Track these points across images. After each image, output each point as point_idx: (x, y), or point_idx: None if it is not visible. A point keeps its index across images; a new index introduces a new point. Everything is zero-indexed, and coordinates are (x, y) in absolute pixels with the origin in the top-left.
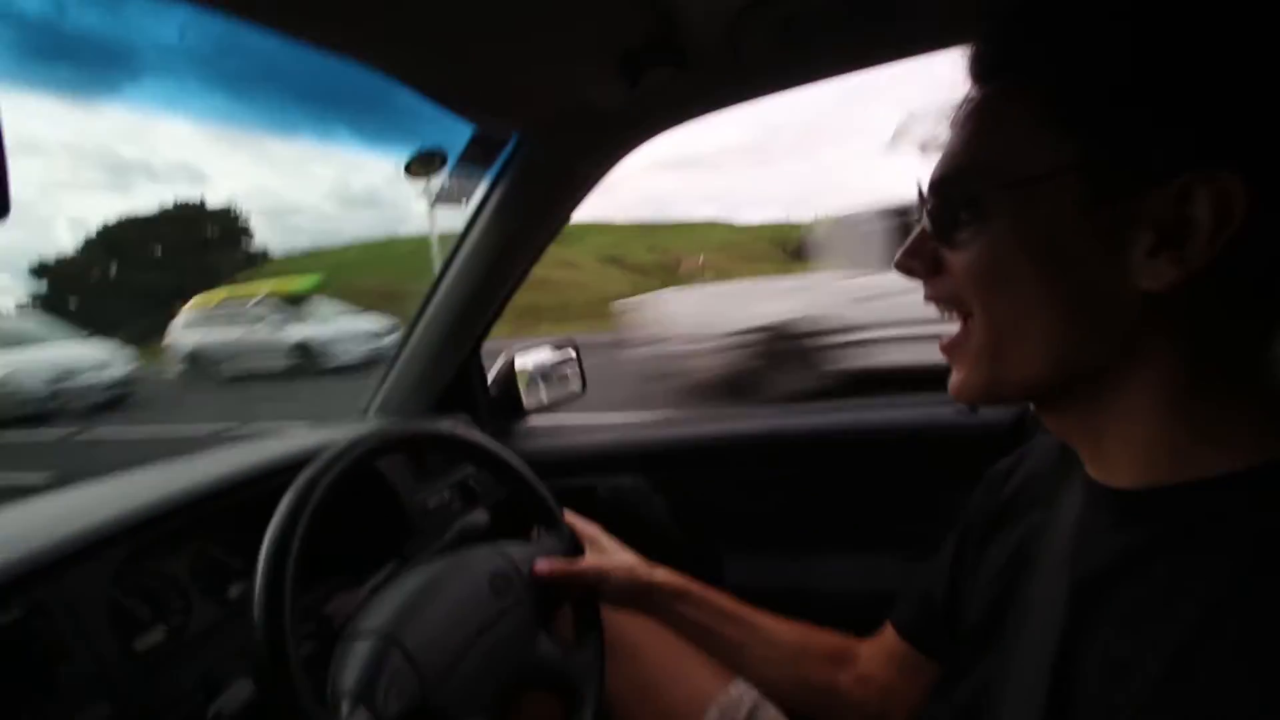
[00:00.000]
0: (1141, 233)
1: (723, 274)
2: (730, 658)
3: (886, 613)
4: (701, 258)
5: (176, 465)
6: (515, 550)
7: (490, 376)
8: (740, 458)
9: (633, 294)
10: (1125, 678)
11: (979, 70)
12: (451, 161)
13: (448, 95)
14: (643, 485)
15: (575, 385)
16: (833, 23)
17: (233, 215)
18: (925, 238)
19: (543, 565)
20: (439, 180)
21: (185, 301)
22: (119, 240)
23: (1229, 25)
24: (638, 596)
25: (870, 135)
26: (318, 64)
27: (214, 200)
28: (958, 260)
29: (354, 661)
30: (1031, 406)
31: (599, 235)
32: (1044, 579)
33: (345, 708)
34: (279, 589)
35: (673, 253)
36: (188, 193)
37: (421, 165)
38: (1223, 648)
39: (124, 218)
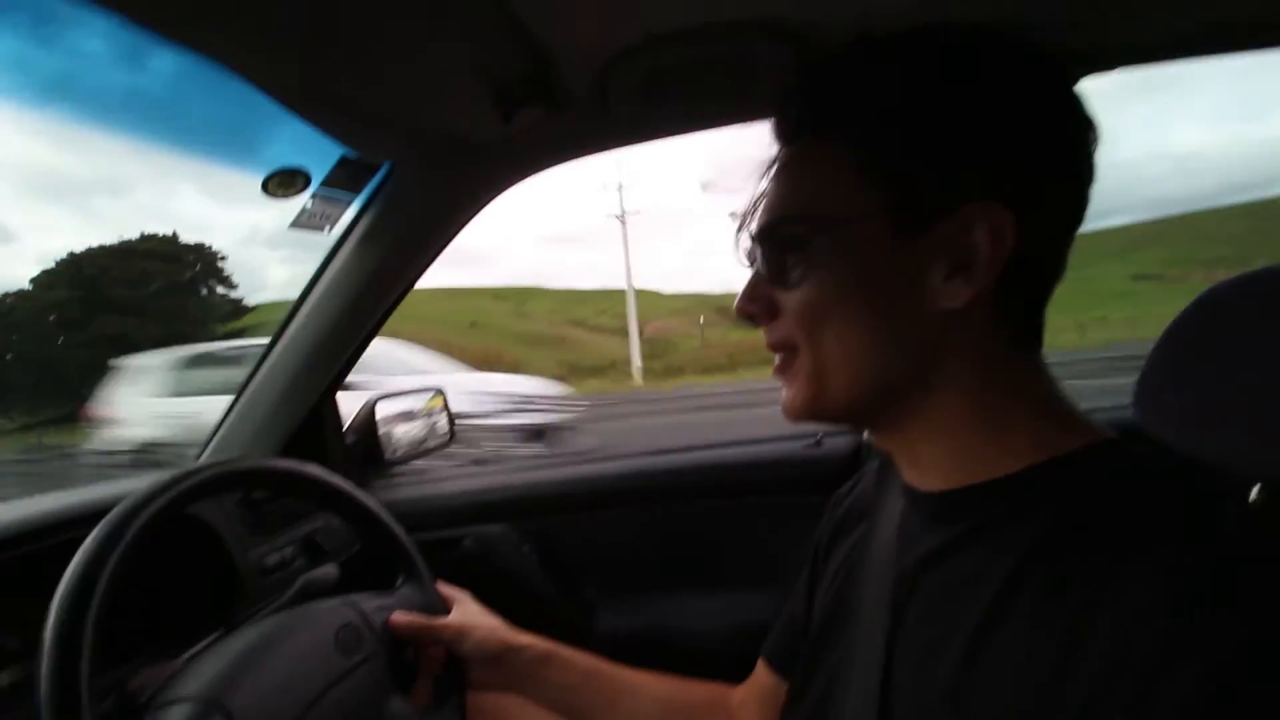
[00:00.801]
0: (938, 260)
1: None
2: (597, 719)
3: (754, 645)
4: (702, 317)
5: None
6: (368, 602)
7: (348, 424)
8: (605, 501)
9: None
10: (934, 661)
11: (789, 129)
12: (315, 184)
13: (319, 113)
14: (510, 534)
15: (443, 434)
16: (695, 82)
17: (210, 251)
18: (759, 282)
19: (399, 618)
20: (300, 202)
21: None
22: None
23: (984, 82)
24: (499, 658)
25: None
26: (182, 69)
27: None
28: (789, 300)
29: None
30: (865, 434)
31: (540, 299)
32: (869, 580)
33: None
34: (71, 670)
35: (625, 318)
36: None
37: (281, 184)
38: (1017, 621)
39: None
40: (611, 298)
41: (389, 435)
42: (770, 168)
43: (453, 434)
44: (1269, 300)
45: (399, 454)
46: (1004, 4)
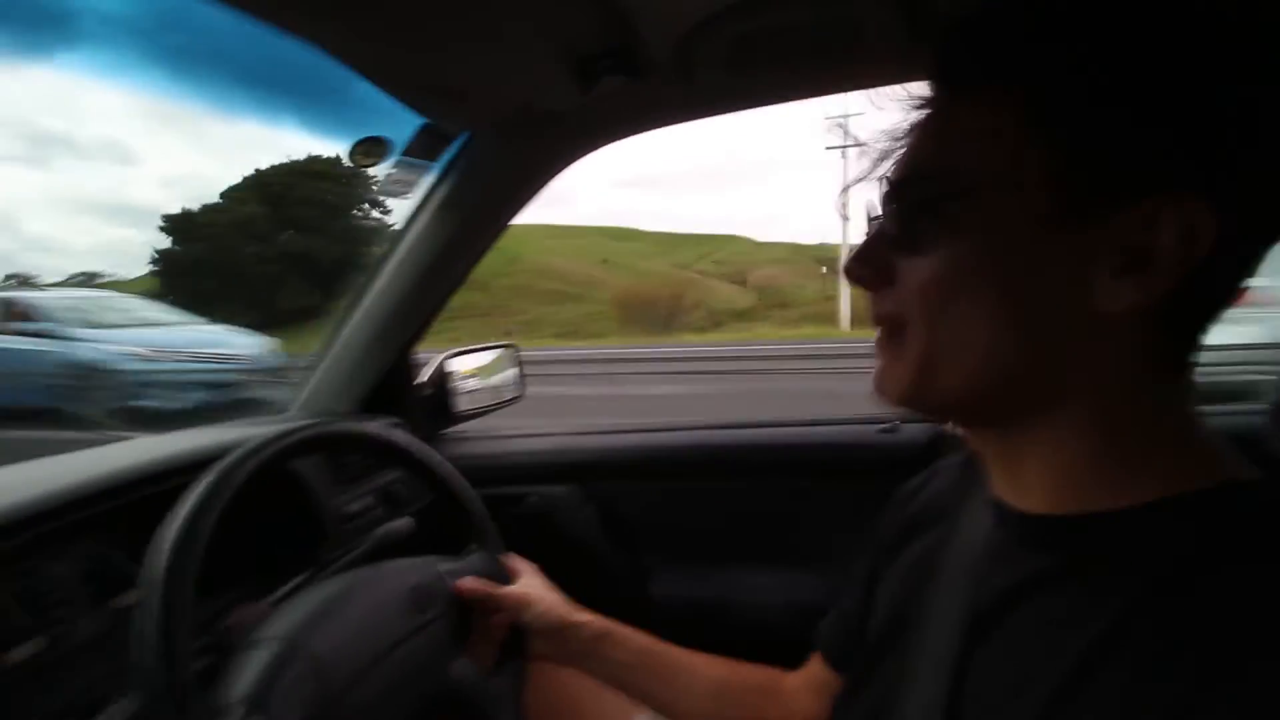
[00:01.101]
0: (1106, 254)
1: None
2: (653, 699)
3: (807, 624)
4: (824, 269)
5: (70, 458)
6: (441, 565)
7: (423, 378)
8: (671, 470)
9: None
10: (1014, 700)
11: (946, 70)
12: (398, 152)
13: (399, 86)
14: (575, 495)
15: (514, 389)
16: (787, 48)
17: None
18: (879, 244)
19: (466, 582)
20: (384, 169)
21: None
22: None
23: (1211, 42)
24: (557, 632)
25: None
26: (264, 43)
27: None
28: (911, 269)
29: (251, 668)
30: (951, 425)
31: (626, 241)
32: (944, 595)
33: (238, 714)
34: (173, 597)
35: (732, 265)
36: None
37: (366, 152)
38: (1119, 668)
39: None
40: (707, 243)
41: (461, 390)
42: (923, 111)
43: (523, 388)
44: None
45: (471, 409)
46: None
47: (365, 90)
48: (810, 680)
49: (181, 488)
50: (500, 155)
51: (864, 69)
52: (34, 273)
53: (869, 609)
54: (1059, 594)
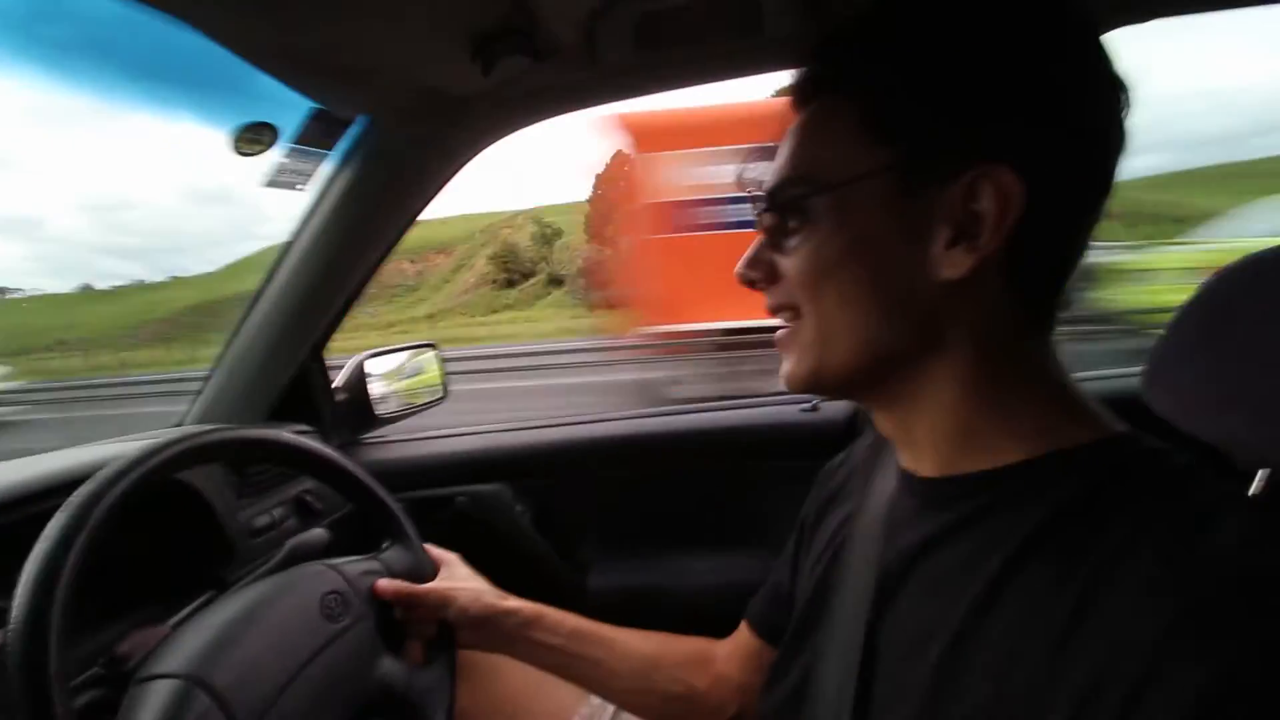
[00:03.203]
0: (940, 226)
1: None
2: (586, 679)
3: (744, 604)
4: None
5: None
6: (351, 566)
7: (338, 383)
8: (599, 461)
9: None
10: (919, 650)
11: (805, 88)
12: (286, 140)
13: (287, 70)
14: (504, 492)
15: (436, 391)
16: (689, 31)
17: None
18: (762, 247)
19: (383, 585)
20: (270, 159)
21: None
22: None
23: (996, 30)
24: (485, 622)
25: None
26: (147, 28)
27: None
28: (789, 264)
29: (146, 712)
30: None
31: None
32: (855, 562)
33: None
34: (40, 627)
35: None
36: None
37: (249, 140)
38: (1008, 612)
39: None
40: None
41: (379, 393)
42: (787, 127)
43: (445, 390)
44: None
45: (390, 412)
46: None
47: (253, 75)
48: (738, 648)
49: (53, 511)
50: (403, 142)
51: (769, 53)
52: None
53: (795, 582)
54: (955, 546)
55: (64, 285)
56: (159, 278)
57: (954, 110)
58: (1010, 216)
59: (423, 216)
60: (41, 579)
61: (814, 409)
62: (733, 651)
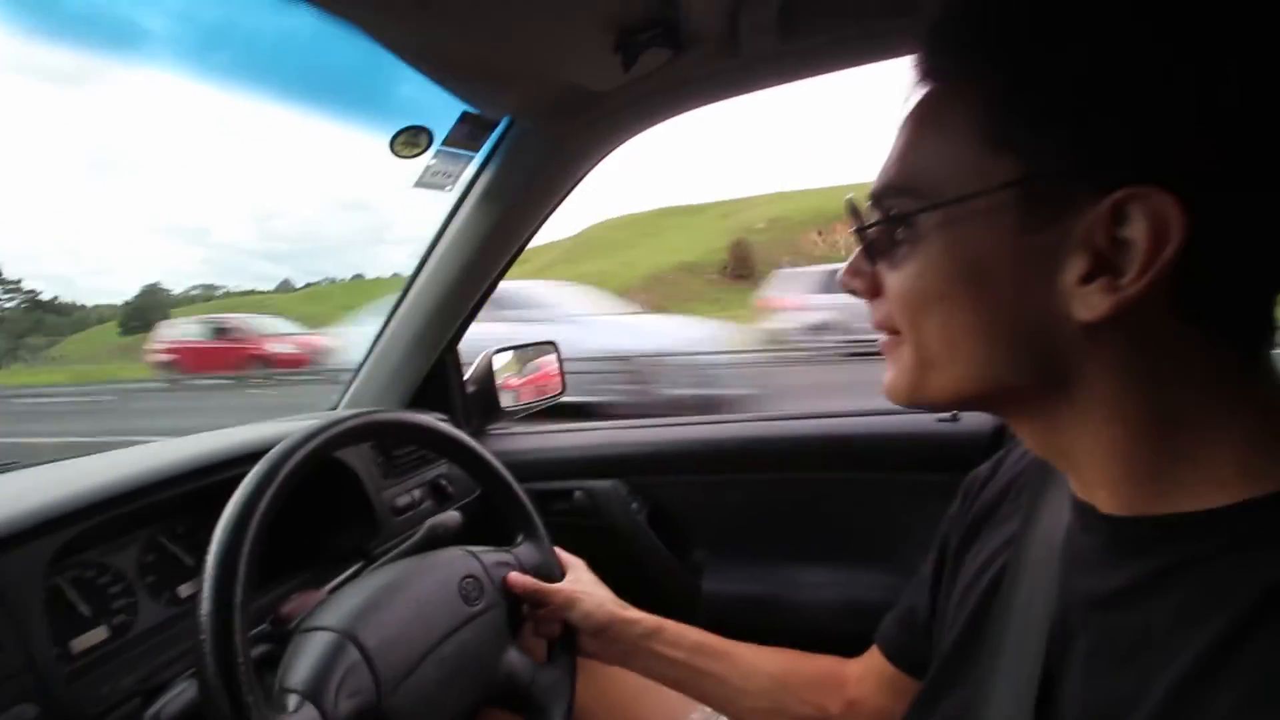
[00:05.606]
0: (1074, 257)
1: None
2: (709, 695)
3: (866, 624)
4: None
5: (126, 452)
6: (489, 556)
7: (466, 375)
8: (720, 465)
9: None
10: (1118, 713)
11: (924, 67)
12: (438, 142)
13: (441, 70)
14: (621, 490)
15: (555, 386)
16: (836, 14)
17: None
18: (866, 257)
19: (515, 578)
20: (424, 161)
21: None
22: None
23: (1172, 32)
24: (607, 629)
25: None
26: (301, 29)
27: None
28: (892, 281)
29: (306, 657)
30: None
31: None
32: (1027, 598)
33: (291, 703)
34: (228, 582)
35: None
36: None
37: (407, 144)
38: (1239, 685)
39: None
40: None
41: (505, 387)
42: (904, 112)
43: (564, 386)
44: None
45: (514, 405)
46: None
47: (403, 81)
48: (870, 672)
49: (239, 478)
50: (542, 141)
51: (908, 37)
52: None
53: (935, 607)
54: (1161, 599)
55: (235, 285)
56: (309, 280)
57: (1096, 119)
58: (1167, 250)
59: (813, 185)
60: (230, 535)
61: (954, 419)
62: (864, 675)
